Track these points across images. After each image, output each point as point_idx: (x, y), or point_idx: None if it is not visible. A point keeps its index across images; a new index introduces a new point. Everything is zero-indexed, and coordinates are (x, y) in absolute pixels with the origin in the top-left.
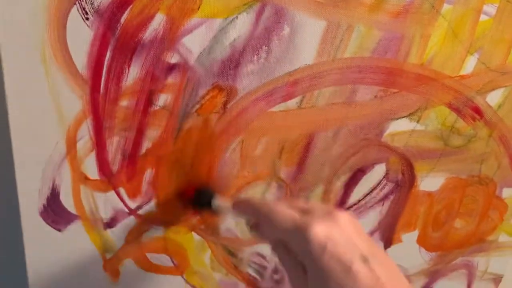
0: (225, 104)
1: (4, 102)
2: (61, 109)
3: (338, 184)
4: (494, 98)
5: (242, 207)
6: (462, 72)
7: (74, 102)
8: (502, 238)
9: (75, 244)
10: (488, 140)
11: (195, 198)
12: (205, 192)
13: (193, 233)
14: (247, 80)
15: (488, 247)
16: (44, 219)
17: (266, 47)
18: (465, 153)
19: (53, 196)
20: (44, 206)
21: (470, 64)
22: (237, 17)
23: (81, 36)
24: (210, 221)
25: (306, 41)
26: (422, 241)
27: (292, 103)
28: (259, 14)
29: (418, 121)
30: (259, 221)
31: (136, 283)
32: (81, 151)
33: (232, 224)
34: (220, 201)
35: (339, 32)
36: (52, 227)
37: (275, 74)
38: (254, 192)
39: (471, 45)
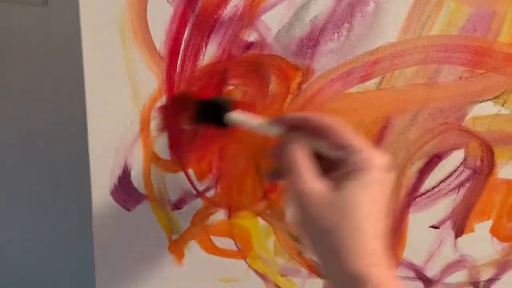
0: (300, 84)
1: (82, 78)
2: (136, 87)
3: (413, 170)
4: None
5: (294, 120)
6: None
7: (150, 80)
8: None
9: (143, 224)
10: None
11: (199, 110)
12: (214, 102)
13: (258, 218)
14: (325, 60)
15: None
16: (115, 198)
17: (348, 24)
18: None
19: (124, 176)
20: (115, 185)
21: None
22: None
23: (161, 12)
24: (277, 207)
25: (391, 17)
26: (496, 231)
27: (371, 83)
28: None
29: (503, 105)
30: (322, 131)
31: (200, 266)
32: (154, 130)
33: None
34: (237, 115)
35: (427, 8)
36: (122, 206)
37: (355, 53)
38: None
39: None
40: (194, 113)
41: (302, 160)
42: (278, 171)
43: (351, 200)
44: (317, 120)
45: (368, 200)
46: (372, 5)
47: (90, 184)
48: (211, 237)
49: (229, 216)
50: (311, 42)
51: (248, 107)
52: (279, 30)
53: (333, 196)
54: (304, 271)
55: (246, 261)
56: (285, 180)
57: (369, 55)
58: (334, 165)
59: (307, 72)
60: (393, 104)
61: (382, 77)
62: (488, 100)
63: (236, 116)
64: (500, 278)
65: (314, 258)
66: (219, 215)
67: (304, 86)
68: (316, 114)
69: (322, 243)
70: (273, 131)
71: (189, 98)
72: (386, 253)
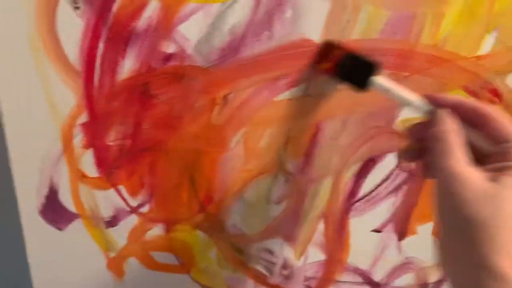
0: (226, 94)
1: None
2: (55, 105)
3: (348, 175)
4: None
5: (448, 102)
6: (479, 53)
7: (68, 97)
8: None
9: (78, 243)
10: None
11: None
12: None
13: (198, 230)
14: (249, 68)
15: None
16: (44, 218)
17: (268, 32)
18: None
19: (52, 195)
20: (43, 204)
21: (487, 44)
22: (235, 1)
23: (72, 26)
24: (216, 218)
25: (310, 24)
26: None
27: (298, 90)
28: None
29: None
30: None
31: (142, 282)
32: (78, 148)
33: (238, 220)
34: (383, 80)
35: (345, 13)
36: (52, 226)
37: (279, 61)
38: (260, 186)
39: (488, 23)
40: (337, 65)
41: (457, 142)
42: (416, 151)
43: (509, 196)
44: (474, 106)
45: None
46: (289, 12)
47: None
48: (151, 252)
49: (167, 231)
50: (232, 51)
51: (174, 119)
52: (198, 40)
53: (489, 187)
54: (250, 282)
55: (189, 275)
56: (426, 161)
57: (293, 61)
58: (485, 157)
59: (231, 82)
60: (322, 110)
61: (309, 84)
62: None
63: (382, 81)
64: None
65: (439, 244)
66: (157, 230)
67: (230, 96)
68: (472, 99)
69: (462, 231)
70: (419, 107)
71: (338, 48)
72: None
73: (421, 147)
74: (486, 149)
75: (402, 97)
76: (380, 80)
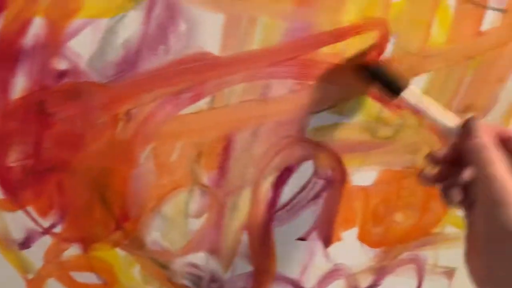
0: (129, 110)
1: None
2: None
3: (266, 185)
4: (419, 83)
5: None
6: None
7: None
8: (449, 230)
9: None
10: (418, 128)
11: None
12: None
13: (117, 248)
14: (148, 83)
15: (435, 240)
16: None
17: (164, 46)
18: (396, 144)
19: None
20: None
21: (387, 50)
22: (124, 15)
23: None
24: (134, 235)
25: (206, 37)
26: (363, 238)
27: (203, 103)
28: (149, 10)
29: (340, 114)
30: None
31: None
32: None
33: (158, 236)
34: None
35: (241, 25)
36: None
37: (178, 75)
38: (176, 201)
39: (385, 28)
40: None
41: (497, 152)
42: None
43: None
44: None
45: None
46: (183, 25)
47: None
48: (71, 272)
49: (85, 250)
50: (128, 66)
51: (75, 138)
52: (91, 56)
53: None
54: None
55: None
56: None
57: (193, 75)
58: None
59: (132, 97)
60: (230, 122)
61: (213, 96)
62: (325, 110)
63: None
64: (379, 285)
65: (483, 260)
66: (74, 250)
67: (133, 111)
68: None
69: (500, 240)
70: (451, 129)
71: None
72: None
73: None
74: None
75: (434, 115)
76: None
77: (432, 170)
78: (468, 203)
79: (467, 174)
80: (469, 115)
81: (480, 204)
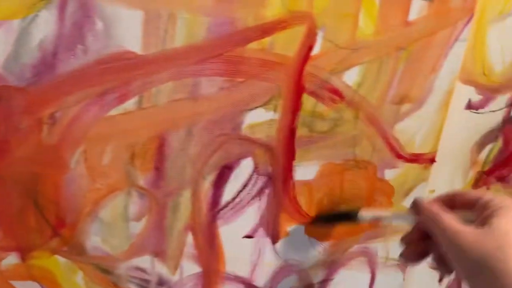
0: (52, 113)
1: None
2: None
3: (206, 185)
4: (351, 77)
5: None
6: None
7: None
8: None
9: None
10: (355, 121)
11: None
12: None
13: (57, 256)
14: (69, 84)
15: (384, 232)
16: None
17: (82, 46)
18: (334, 137)
19: None
20: None
21: (317, 43)
22: (36, 15)
23: None
24: (73, 242)
25: (126, 35)
26: (311, 232)
27: (131, 104)
28: (62, 9)
29: (275, 110)
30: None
31: None
32: None
33: (98, 241)
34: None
35: (161, 22)
36: None
37: (101, 75)
38: (114, 204)
39: (312, 22)
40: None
41: (442, 211)
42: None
43: (503, 230)
44: (445, 197)
45: None
46: (100, 23)
47: None
48: (11, 282)
49: (23, 259)
50: (46, 67)
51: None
52: (5, 59)
53: (484, 230)
54: None
55: None
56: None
57: (117, 75)
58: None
59: (55, 100)
60: (161, 122)
61: (141, 96)
62: (258, 107)
63: (366, 214)
64: (332, 279)
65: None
66: (12, 259)
67: (57, 114)
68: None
69: (476, 273)
70: (407, 218)
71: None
72: None
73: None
74: (469, 216)
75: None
76: (365, 214)
77: (407, 250)
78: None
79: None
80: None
81: (448, 254)
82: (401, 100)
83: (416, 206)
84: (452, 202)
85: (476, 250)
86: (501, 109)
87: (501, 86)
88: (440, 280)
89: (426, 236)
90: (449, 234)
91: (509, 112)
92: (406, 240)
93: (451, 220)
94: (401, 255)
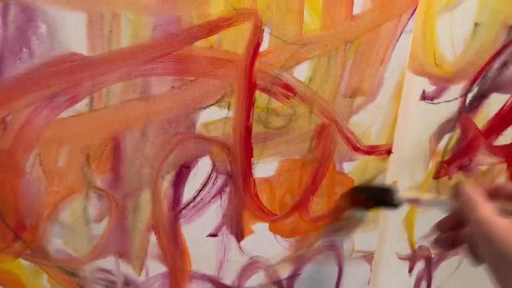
0: (4, 117)
1: None
2: None
3: (166, 184)
4: (302, 72)
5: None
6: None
7: None
8: (359, 213)
9: None
10: (310, 116)
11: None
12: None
13: (20, 259)
14: (16, 88)
15: (347, 225)
16: None
17: (27, 49)
18: (290, 133)
19: None
20: None
21: (264, 40)
22: None
23: None
24: (35, 245)
25: (71, 37)
26: (275, 228)
27: (82, 105)
28: (4, 14)
29: (229, 108)
30: None
31: None
32: None
33: (61, 244)
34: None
35: (105, 23)
36: None
37: (48, 78)
38: (73, 206)
39: (257, 18)
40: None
41: (481, 197)
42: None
43: None
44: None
45: None
46: (43, 26)
47: None
48: None
49: None
50: None
51: None
52: None
53: None
54: None
55: None
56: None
57: (65, 77)
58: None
59: (3, 104)
60: (114, 122)
61: (91, 98)
62: (212, 105)
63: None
64: (300, 273)
65: (493, 278)
66: None
67: (8, 118)
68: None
69: (501, 266)
70: (448, 203)
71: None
72: None
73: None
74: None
75: (428, 201)
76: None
77: (440, 236)
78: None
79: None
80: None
81: (479, 243)
82: (353, 93)
83: (457, 191)
84: (495, 193)
85: (506, 243)
86: (456, 98)
87: (454, 76)
88: (410, 270)
89: (462, 224)
90: (483, 222)
91: (464, 102)
92: (441, 226)
93: (487, 209)
94: (435, 241)
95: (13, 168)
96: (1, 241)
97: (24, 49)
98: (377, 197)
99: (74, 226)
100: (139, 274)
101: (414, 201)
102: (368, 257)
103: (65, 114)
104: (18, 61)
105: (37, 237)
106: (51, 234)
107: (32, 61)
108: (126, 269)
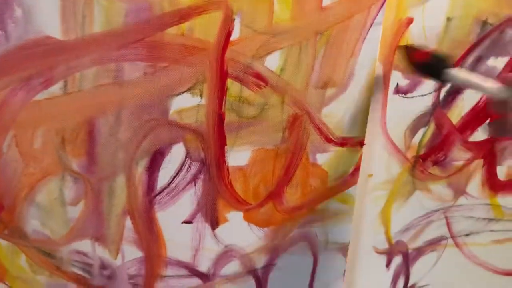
0: None
1: None
2: None
3: (140, 170)
4: (273, 62)
5: None
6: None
7: None
8: (334, 206)
9: None
10: (282, 106)
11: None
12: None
13: None
14: None
15: (322, 217)
16: None
17: (3, 32)
18: (263, 122)
19: None
20: None
21: (235, 29)
22: None
23: None
24: (13, 225)
25: (45, 21)
26: (249, 218)
27: (56, 89)
28: None
29: (201, 95)
30: None
31: None
32: None
33: (38, 225)
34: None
35: (78, 8)
36: None
37: (23, 60)
38: (49, 188)
39: (228, 8)
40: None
41: None
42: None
43: None
44: None
45: None
46: (19, 10)
47: None
48: None
49: None
50: None
51: None
52: None
53: None
54: (71, 284)
55: (5, 283)
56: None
57: (40, 59)
58: None
59: None
60: (88, 106)
61: (65, 81)
62: (184, 92)
63: (458, 72)
64: (275, 263)
65: None
66: None
67: None
68: None
69: None
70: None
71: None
72: None
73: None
74: None
75: (481, 85)
76: (457, 72)
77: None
78: None
79: None
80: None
81: None
82: (324, 84)
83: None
84: None
85: None
86: (430, 93)
87: None
88: (388, 265)
89: None
90: None
91: (438, 96)
92: (500, 107)
93: None
94: (489, 124)
95: None
96: None
97: (0, 32)
98: (432, 62)
99: (51, 208)
100: (115, 258)
101: (467, 84)
102: (343, 249)
103: (40, 96)
104: None
105: (14, 218)
106: (28, 215)
107: (8, 44)
108: (102, 252)
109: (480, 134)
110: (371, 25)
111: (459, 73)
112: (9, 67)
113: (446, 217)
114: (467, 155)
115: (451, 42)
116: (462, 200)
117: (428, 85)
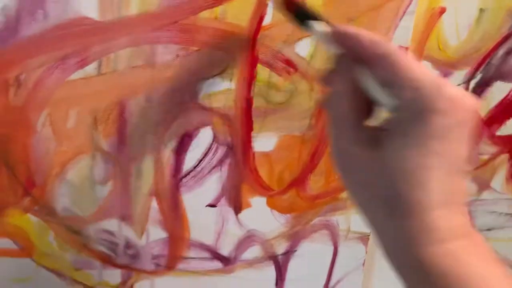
0: (18, 75)
1: None
2: None
3: (168, 152)
4: (304, 48)
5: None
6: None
7: None
8: None
9: None
10: (311, 93)
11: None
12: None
13: (29, 215)
14: (32, 48)
15: (344, 205)
16: None
17: (42, 10)
18: (290, 109)
19: None
20: None
21: (268, 14)
22: None
23: None
24: (43, 202)
25: (84, 2)
26: (272, 204)
27: (91, 69)
28: None
29: (231, 80)
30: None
31: None
32: None
33: (68, 203)
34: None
35: None
36: None
37: (60, 40)
38: (80, 167)
39: None
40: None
41: (342, 114)
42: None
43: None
44: (368, 47)
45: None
46: None
47: None
48: None
49: None
50: (9, 32)
51: None
52: None
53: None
54: (97, 262)
55: (32, 259)
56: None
57: (77, 39)
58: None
59: (18, 63)
60: (121, 87)
61: (100, 61)
62: (215, 76)
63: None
64: (296, 250)
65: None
66: None
67: (22, 77)
68: (370, 35)
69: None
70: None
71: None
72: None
73: None
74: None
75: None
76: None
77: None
78: None
79: None
80: None
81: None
82: None
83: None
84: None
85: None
86: (459, 84)
87: (457, 62)
88: None
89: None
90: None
91: (467, 89)
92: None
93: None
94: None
95: (24, 125)
96: (12, 196)
97: (39, 11)
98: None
99: (80, 187)
100: (140, 238)
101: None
102: (364, 238)
103: (74, 76)
104: (33, 21)
105: (45, 195)
106: (58, 193)
107: (46, 23)
108: (128, 232)
109: (507, 128)
110: (403, 13)
111: (315, 25)
112: (46, 46)
113: (468, 211)
114: (493, 149)
115: (482, 34)
116: (485, 194)
117: (457, 76)
